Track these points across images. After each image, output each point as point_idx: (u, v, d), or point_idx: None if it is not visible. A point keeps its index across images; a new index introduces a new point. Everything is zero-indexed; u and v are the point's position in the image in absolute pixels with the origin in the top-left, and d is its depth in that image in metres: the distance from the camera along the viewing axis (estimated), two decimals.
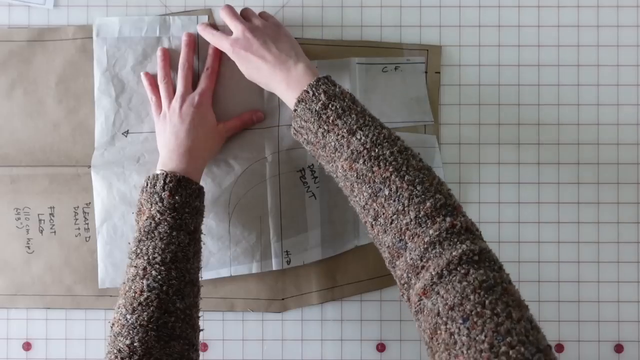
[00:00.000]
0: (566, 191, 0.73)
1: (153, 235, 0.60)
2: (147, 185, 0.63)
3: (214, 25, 0.71)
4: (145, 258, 0.59)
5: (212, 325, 0.72)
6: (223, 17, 0.67)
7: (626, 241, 0.73)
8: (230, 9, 0.67)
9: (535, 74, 0.73)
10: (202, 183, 0.68)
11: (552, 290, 0.73)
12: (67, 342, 0.73)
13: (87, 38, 0.71)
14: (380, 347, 0.73)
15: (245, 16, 0.68)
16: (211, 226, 0.71)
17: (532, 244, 0.73)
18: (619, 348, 0.73)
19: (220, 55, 0.70)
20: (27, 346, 0.73)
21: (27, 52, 0.72)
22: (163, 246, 0.59)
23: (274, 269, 0.71)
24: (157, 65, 0.70)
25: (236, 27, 0.65)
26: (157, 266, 0.58)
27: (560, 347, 0.73)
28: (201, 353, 0.73)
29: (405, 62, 0.72)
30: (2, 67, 0.72)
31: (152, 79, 0.70)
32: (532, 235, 0.73)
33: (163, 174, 0.62)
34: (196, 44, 0.71)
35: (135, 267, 0.59)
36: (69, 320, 0.73)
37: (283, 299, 0.72)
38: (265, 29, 0.65)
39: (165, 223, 0.60)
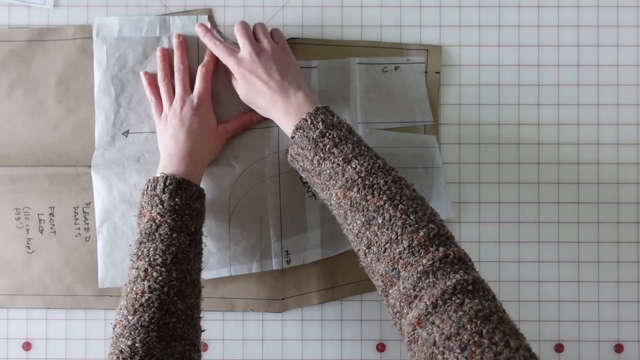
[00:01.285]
0: (566, 191, 0.73)
1: (154, 237, 0.60)
2: (147, 187, 0.63)
3: (214, 30, 0.69)
4: (147, 260, 0.59)
5: (212, 325, 0.72)
6: (236, 32, 0.66)
7: (626, 241, 0.73)
8: (243, 25, 0.66)
9: (535, 74, 0.73)
10: (202, 183, 0.68)
11: (552, 290, 0.73)
12: (67, 342, 0.73)
13: (87, 38, 0.71)
14: (380, 347, 0.73)
15: (256, 32, 0.67)
16: (211, 226, 0.71)
17: (532, 244, 0.73)
18: (619, 348, 0.73)
19: (216, 57, 0.69)
20: (27, 346, 0.73)
21: (27, 52, 0.72)
22: (164, 248, 0.60)
23: (273, 268, 0.71)
24: (156, 66, 0.70)
25: (244, 46, 0.65)
26: (158, 268, 0.59)
27: (560, 347, 0.73)
28: (202, 353, 0.73)
29: (405, 62, 0.72)
30: (2, 67, 0.72)
31: (152, 79, 0.70)
32: (532, 236, 0.73)
33: (163, 176, 0.62)
34: (186, 45, 0.70)
35: (136, 269, 0.59)
36: (69, 320, 0.73)
37: (283, 299, 0.72)
38: (273, 53, 0.65)
39: (166, 225, 0.61)
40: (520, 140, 0.73)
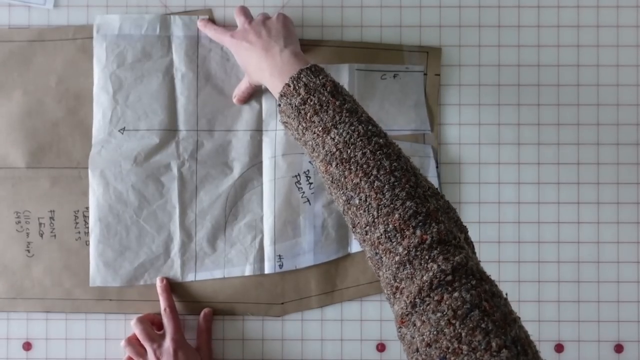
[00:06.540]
0: (566, 191, 0.73)
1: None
2: None
3: (213, 21, 0.71)
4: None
5: (212, 326, 0.72)
6: (235, 13, 0.67)
7: (626, 241, 0.73)
8: (241, 7, 0.67)
9: (535, 74, 0.73)
10: (199, 185, 0.68)
11: (552, 290, 0.73)
12: (68, 342, 0.73)
13: (87, 38, 0.71)
14: (380, 347, 0.73)
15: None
16: (207, 227, 0.71)
17: (532, 244, 0.73)
18: (618, 348, 0.73)
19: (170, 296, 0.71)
20: (27, 346, 0.73)
21: (27, 52, 0.72)
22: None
23: (266, 272, 0.71)
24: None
25: (239, 21, 0.66)
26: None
27: (560, 347, 0.73)
28: None
29: (404, 70, 0.72)
30: (2, 67, 0.72)
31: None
32: (532, 235, 0.73)
33: None
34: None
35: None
36: (69, 320, 0.73)
37: (282, 303, 0.72)
38: (266, 23, 0.64)
39: None
40: (520, 141, 0.73)
